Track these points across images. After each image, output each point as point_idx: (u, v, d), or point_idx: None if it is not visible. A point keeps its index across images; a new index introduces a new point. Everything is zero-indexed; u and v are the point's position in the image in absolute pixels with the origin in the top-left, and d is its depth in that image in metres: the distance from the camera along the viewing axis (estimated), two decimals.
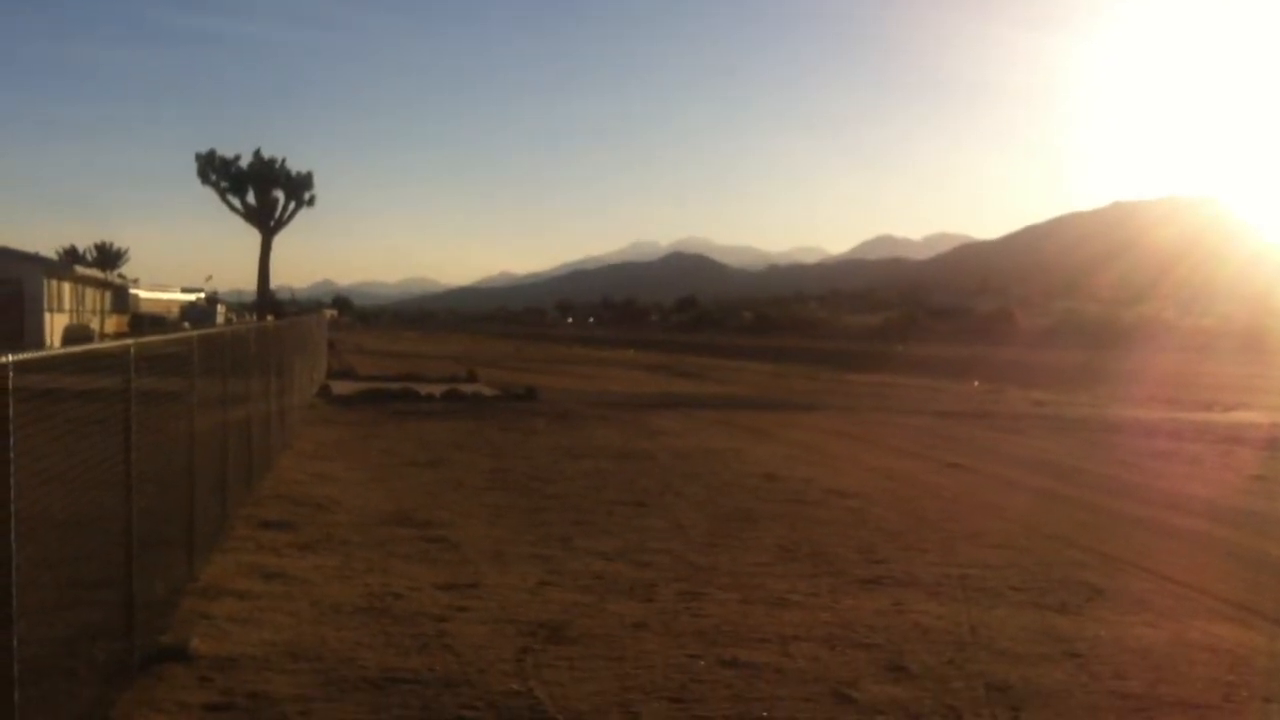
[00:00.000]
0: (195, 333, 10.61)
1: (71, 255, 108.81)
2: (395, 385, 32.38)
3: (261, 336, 16.10)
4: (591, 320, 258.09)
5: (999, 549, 12.57)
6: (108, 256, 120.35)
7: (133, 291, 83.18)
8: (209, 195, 71.93)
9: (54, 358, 6.30)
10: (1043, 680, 7.88)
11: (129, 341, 7.49)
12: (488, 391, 32.82)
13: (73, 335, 49.90)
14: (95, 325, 61.20)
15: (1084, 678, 7.98)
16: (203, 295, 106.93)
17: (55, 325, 52.19)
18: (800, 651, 8.35)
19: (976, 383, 50.69)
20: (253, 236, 73.55)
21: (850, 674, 7.86)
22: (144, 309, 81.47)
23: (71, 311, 57.65)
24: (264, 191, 71.43)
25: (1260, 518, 15.76)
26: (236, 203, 71.77)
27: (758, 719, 6.95)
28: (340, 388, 31.10)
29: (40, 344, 41.92)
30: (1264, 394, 47.04)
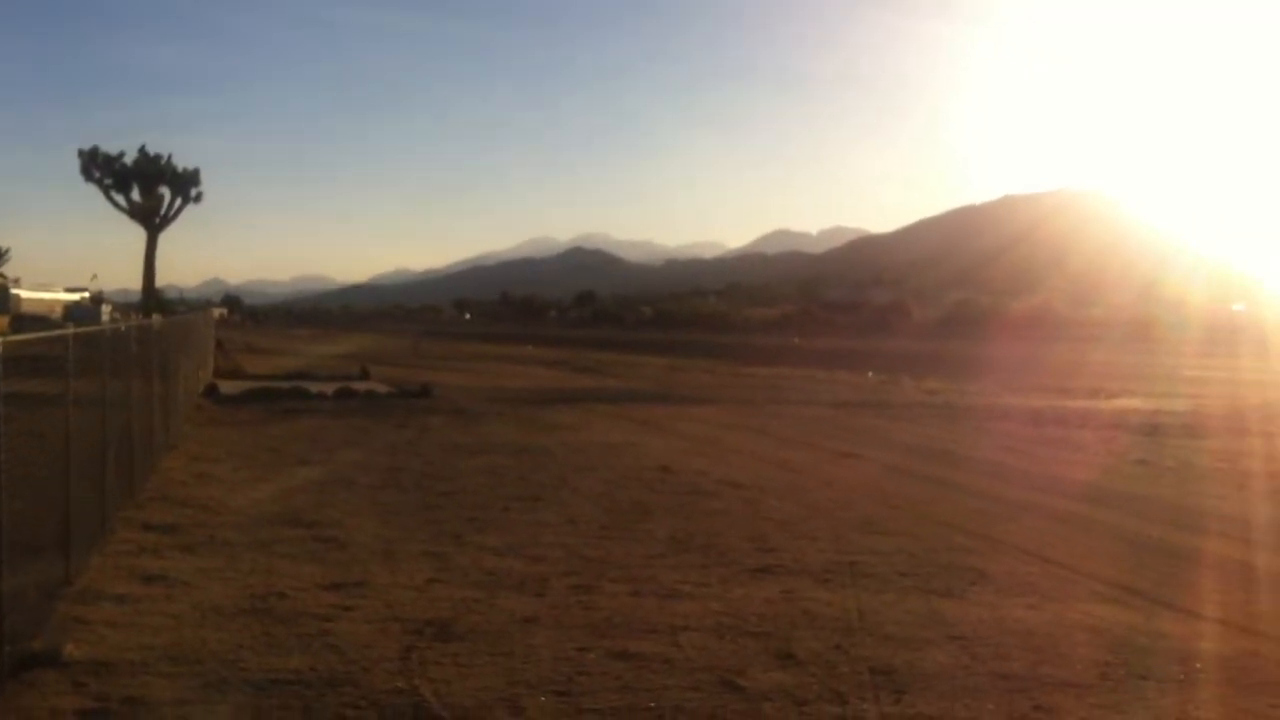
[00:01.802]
0: (70, 331, 10.27)
1: None
2: (285, 384, 31.79)
3: (143, 335, 15.66)
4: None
5: (888, 536, 12.75)
6: None
7: (13, 291, 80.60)
8: (93, 193, 69.98)
9: None
10: (927, 663, 7.99)
11: None
12: (381, 389, 32.39)
13: None
14: None
15: (967, 660, 8.11)
16: (87, 294, 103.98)
17: None
18: (689, 641, 8.36)
19: (871, 373, 51.43)
20: (139, 235, 71.66)
21: (739, 662, 7.89)
22: (25, 309, 78.99)
23: None
24: (149, 189, 69.52)
25: (1141, 501, 16.19)
26: (121, 200, 69.76)
27: (644, 709, 6.94)
28: (228, 387, 30.44)
29: None
30: (1148, 381, 48.45)
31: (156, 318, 18.90)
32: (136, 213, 70.08)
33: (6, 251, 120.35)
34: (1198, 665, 8.19)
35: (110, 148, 70.39)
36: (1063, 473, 19.01)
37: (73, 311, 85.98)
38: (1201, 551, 12.56)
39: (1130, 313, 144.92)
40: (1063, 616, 9.43)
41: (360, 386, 32.47)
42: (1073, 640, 8.72)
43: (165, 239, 72.01)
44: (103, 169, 69.70)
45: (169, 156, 70.78)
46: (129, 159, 70.25)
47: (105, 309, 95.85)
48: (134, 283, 77.43)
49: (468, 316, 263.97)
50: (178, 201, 71.19)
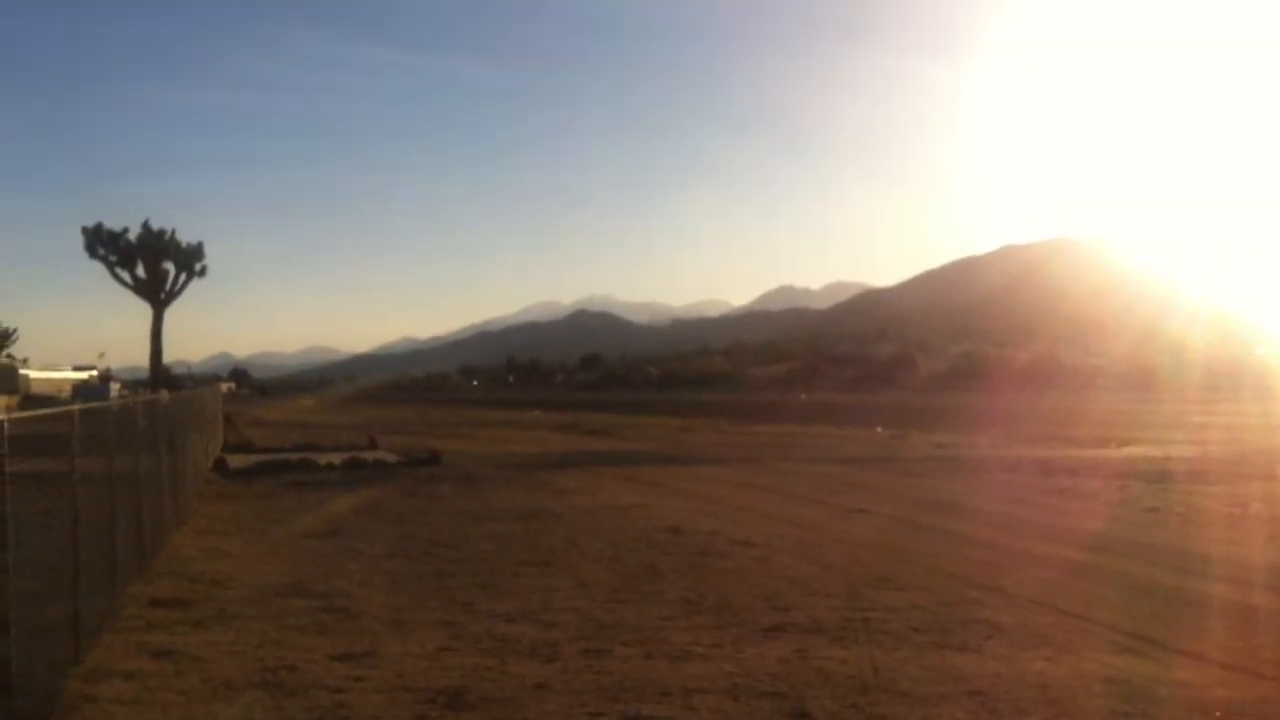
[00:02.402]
0: (76, 407, 10.31)
1: None
2: (293, 456, 31.84)
3: (150, 411, 15.71)
4: (510, 379, 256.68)
5: (902, 591, 12.67)
6: None
7: (22, 372, 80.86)
8: (98, 270, 70.41)
9: None
10: None
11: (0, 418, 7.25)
12: (390, 458, 32.38)
13: None
14: None
15: (985, 715, 8.04)
16: (95, 373, 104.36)
17: None
18: (703, 704, 8.29)
19: (879, 428, 51.40)
20: (144, 310, 72.00)
21: None
22: (35, 389, 79.22)
23: None
24: (153, 264, 69.90)
25: (1154, 549, 16.10)
26: (126, 276, 70.16)
27: None
28: (237, 461, 30.46)
29: None
30: (1154, 428, 48.40)
31: (164, 393, 18.97)
32: (141, 288, 70.38)
33: (14, 332, 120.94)
34: (1217, 714, 8.11)
35: (114, 224, 70.91)
36: (1073, 523, 18.93)
37: (81, 390, 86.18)
38: (1215, 598, 12.46)
39: (1132, 360, 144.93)
40: (1079, 668, 9.35)
41: (369, 456, 32.46)
42: (1091, 692, 8.65)
43: (171, 314, 72.26)
44: (107, 245, 70.05)
45: (173, 231, 71.23)
46: (133, 235, 70.70)
47: (114, 386, 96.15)
48: (141, 360, 77.64)
49: (475, 383, 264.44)
50: (183, 276, 71.52)
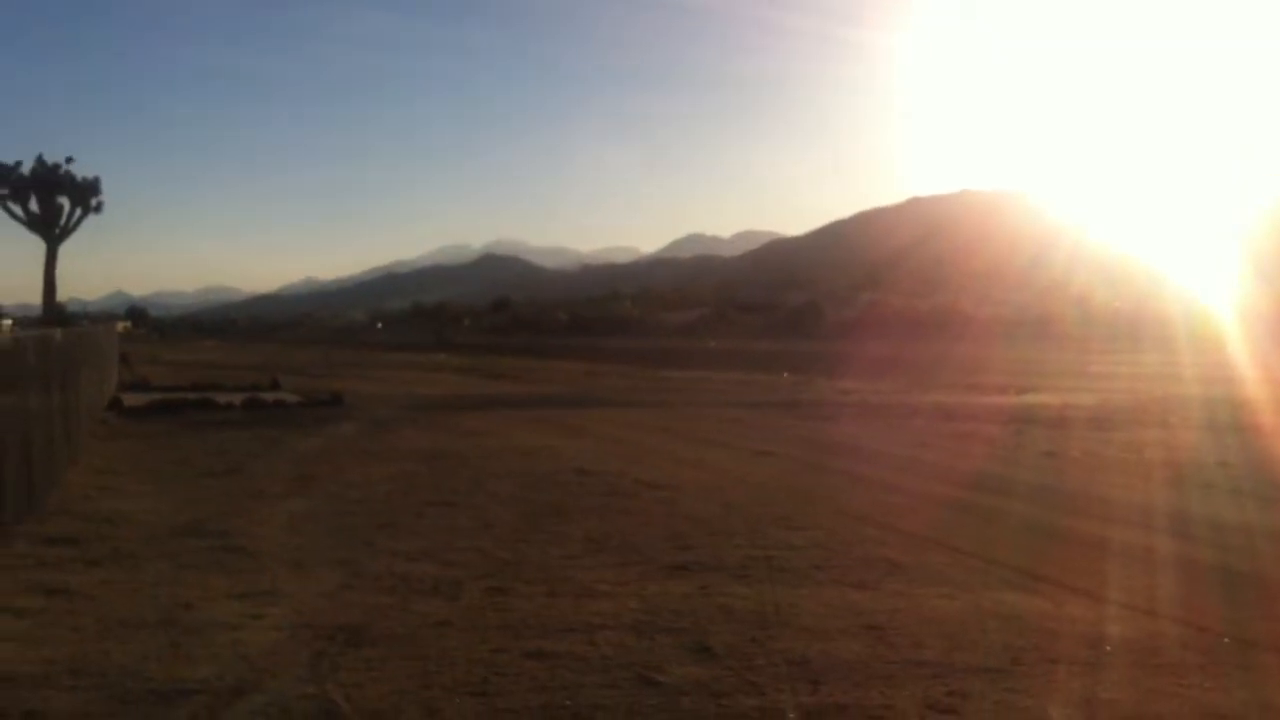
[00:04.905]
0: None
1: None
2: (192, 395, 31.15)
3: (42, 348, 15.22)
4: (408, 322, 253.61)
5: (803, 530, 12.81)
6: None
7: None
8: None
9: None
10: (842, 653, 8.02)
11: None
12: (291, 398, 31.89)
13: None
14: None
15: (882, 649, 8.16)
16: None
17: None
18: (606, 639, 8.30)
19: (786, 374, 51.87)
20: (38, 246, 69.78)
21: (656, 658, 7.85)
22: None
23: None
24: (47, 198, 67.72)
25: (1050, 491, 16.49)
26: (18, 210, 67.88)
27: (561, 707, 6.87)
28: (132, 400, 29.69)
29: None
30: (1055, 377, 49.54)
31: (57, 331, 18.41)
32: (35, 223, 68.19)
33: None
34: (1106, 648, 8.33)
35: (6, 156, 68.50)
36: (973, 466, 19.30)
37: None
38: (1107, 539, 12.79)
39: (1036, 310, 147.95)
40: (975, 604, 9.55)
41: (270, 397, 31.92)
42: (985, 627, 8.82)
43: (66, 251, 70.13)
44: None
45: (68, 164, 69.02)
46: (26, 168, 68.35)
47: (5, 324, 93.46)
48: (34, 297, 75.20)
49: (380, 326, 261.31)
50: (78, 211, 69.37)
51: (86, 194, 69.29)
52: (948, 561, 11.32)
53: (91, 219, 70.17)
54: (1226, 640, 8.62)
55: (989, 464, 19.67)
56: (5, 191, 67.99)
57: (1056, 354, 77.13)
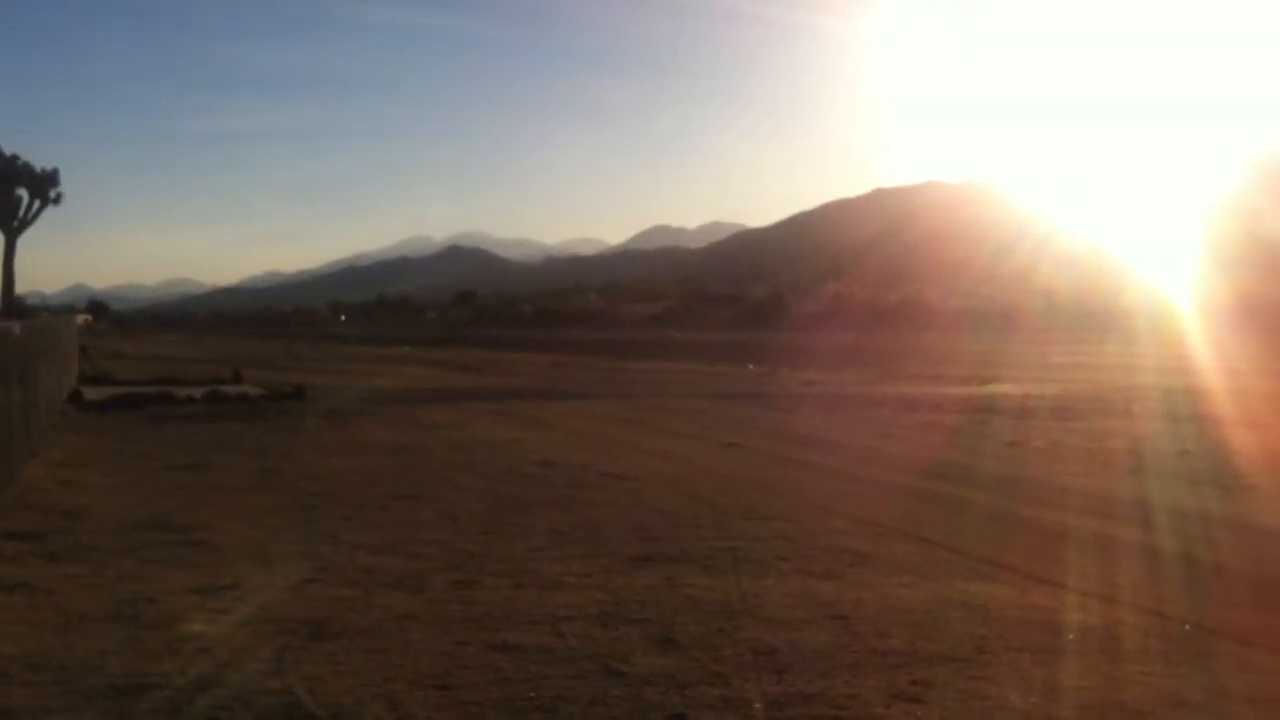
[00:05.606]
0: None
1: None
2: (152, 389, 30.82)
3: None
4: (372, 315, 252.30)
5: (769, 521, 12.83)
6: None
7: None
8: None
9: None
10: (807, 642, 8.03)
11: None
12: (253, 392, 31.62)
13: None
14: None
15: (846, 638, 8.18)
16: None
17: None
18: (571, 631, 8.28)
19: (751, 366, 51.98)
20: None
21: (621, 649, 7.83)
22: None
23: None
24: (5, 190, 67.01)
25: (1013, 481, 16.60)
26: None
27: (525, 699, 6.84)
28: (92, 393, 29.38)
29: None
30: (1019, 368, 49.89)
31: (15, 324, 18.19)
32: None
33: None
34: (1070, 636, 8.38)
35: None
36: (937, 456, 19.41)
37: None
38: (1070, 528, 12.89)
39: (1001, 302, 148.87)
40: (939, 593, 9.59)
41: (231, 390, 31.66)
42: (949, 616, 8.86)
43: (24, 243, 69.51)
44: None
45: (24, 157, 68.27)
46: None
47: None
48: None
49: (343, 318, 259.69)
50: (36, 203, 68.67)
51: (45, 185, 68.69)
52: (912, 551, 11.37)
53: (51, 211, 69.57)
54: (1187, 627, 8.70)
55: (952, 454, 19.78)
56: None
57: (1021, 345, 77.67)
